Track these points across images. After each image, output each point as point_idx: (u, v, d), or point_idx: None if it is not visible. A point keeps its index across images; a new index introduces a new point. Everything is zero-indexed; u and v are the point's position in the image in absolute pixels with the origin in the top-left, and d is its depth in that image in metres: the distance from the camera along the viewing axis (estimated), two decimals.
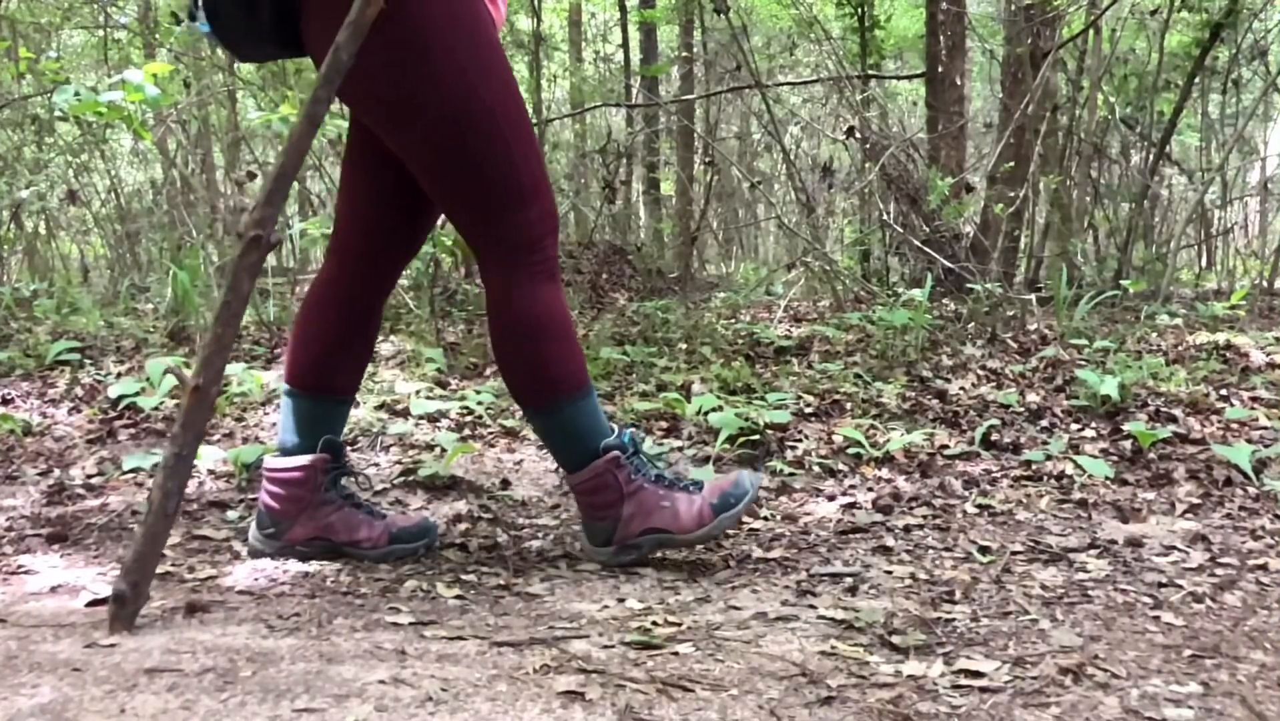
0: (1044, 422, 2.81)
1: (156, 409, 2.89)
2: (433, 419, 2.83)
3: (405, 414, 2.85)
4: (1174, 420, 2.76)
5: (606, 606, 1.64)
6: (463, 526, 2.10)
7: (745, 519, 2.09)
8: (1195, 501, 2.22)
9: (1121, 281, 5.08)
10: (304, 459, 1.87)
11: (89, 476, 2.44)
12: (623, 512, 1.82)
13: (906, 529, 2.07)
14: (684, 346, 3.92)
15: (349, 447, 2.58)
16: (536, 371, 1.79)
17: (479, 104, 1.70)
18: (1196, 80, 6.10)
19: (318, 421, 1.89)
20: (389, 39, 1.65)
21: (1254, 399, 2.99)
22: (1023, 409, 2.91)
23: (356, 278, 1.89)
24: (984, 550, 1.92)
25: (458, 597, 1.69)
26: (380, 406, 2.91)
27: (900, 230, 5.43)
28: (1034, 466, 2.47)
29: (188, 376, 1.50)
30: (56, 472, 2.47)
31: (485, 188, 1.73)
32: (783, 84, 8.71)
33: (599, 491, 1.82)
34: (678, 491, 1.83)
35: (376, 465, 2.52)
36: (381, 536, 1.89)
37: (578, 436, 1.82)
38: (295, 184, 7.51)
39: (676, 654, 1.42)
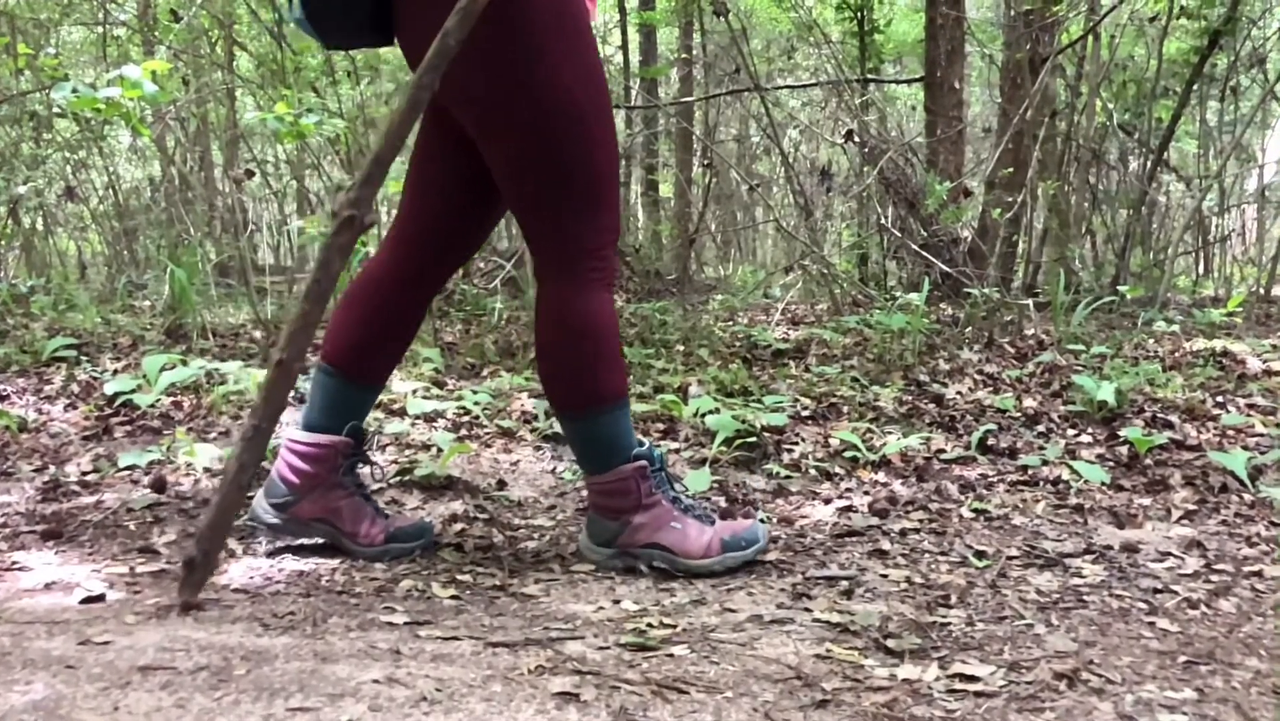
0: (1041, 428, 2.82)
1: (153, 406, 2.89)
2: (429, 419, 2.83)
3: (402, 413, 2.85)
4: (1170, 426, 2.76)
5: (602, 608, 1.64)
6: (458, 526, 2.10)
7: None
8: (1191, 507, 2.22)
9: (1119, 287, 5.09)
10: (328, 437, 1.86)
11: (84, 473, 2.43)
12: (634, 520, 1.82)
13: (902, 532, 2.06)
14: (681, 348, 3.92)
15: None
16: (581, 378, 1.79)
17: (573, 108, 1.70)
18: (1195, 87, 6.11)
19: (346, 405, 1.89)
20: (494, 32, 1.64)
21: (1250, 406, 2.99)
22: (1019, 414, 2.92)
23: (412, 266, 1.87)
24: (980, 554, 1.92)
25: (453, 598, 1.69)
26: (377, 406, 2.91)
27: (898, 234, 5.43)
28: (1030, 471, 2.47)
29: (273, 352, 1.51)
30: (51, 469, 2.46)
31: (561, 191, 1.73)
32: (782, 87, 8.72)
33: (618, 495, 1.83)
34: (691, 518, 1.84)
35: (373, 464, 2.51)
36: (379, 534, 1.89)
37: (609, 445, 1.82)
38: (295, 182, 7.50)
39: (671, 656, 1.42)
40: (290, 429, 1.92)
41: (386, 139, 1.50)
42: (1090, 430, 2.79)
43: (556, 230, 1.76)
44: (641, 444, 1.84)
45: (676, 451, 2.64)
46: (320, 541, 1.92)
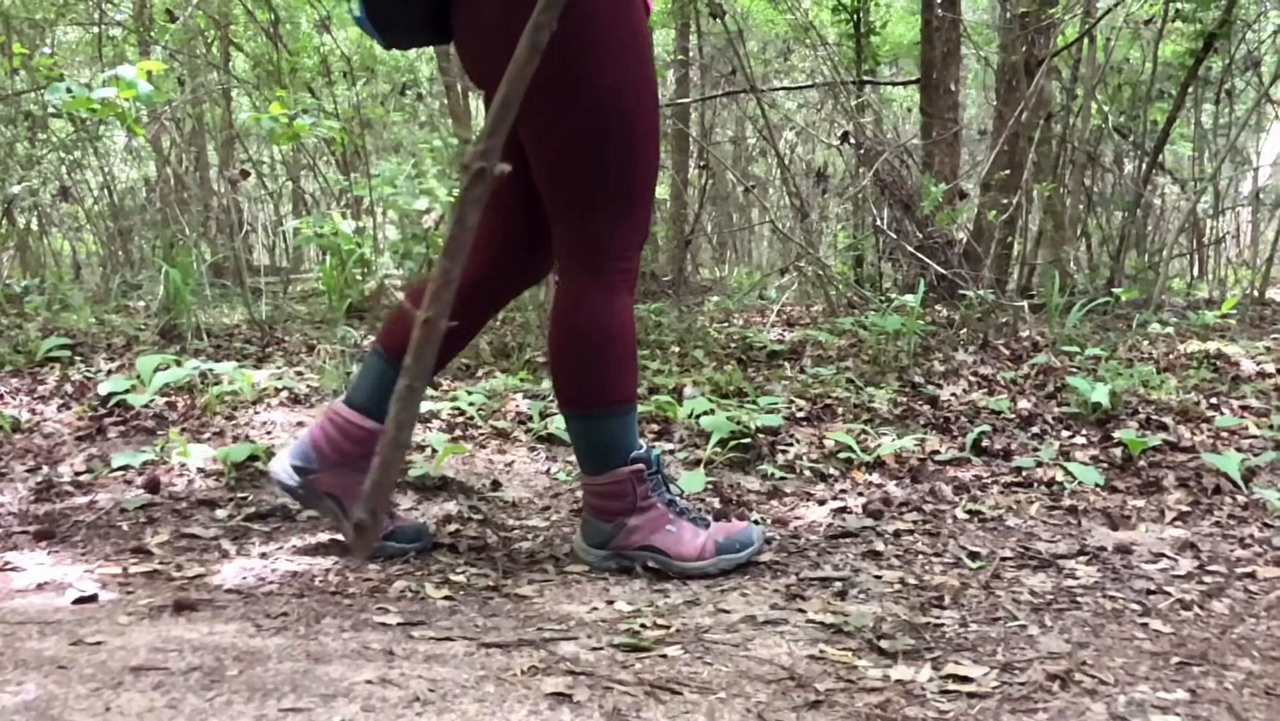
0: (1035, 429, 2.82)
1: (146, 406, 2.88)
2: (424, 419, 2.83)
3: None
4: (1164, 428, 2.76)
5: (595, 608, 1.64)
6: (452, 527, 2.10)
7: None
8: (1184, 509, 2.22)
9: (1113, 289, 5.10)
10: (374, 424, 1.84)
11: (78, 474, 2.43)
12: (629, 522, 1.82)
13: (896, 534, 2.07)
14: (676, 349, 3.92)
15: None
16: (593, 379, 1.79)
17: (620, 111, 1.70)
18: (1190, 90, 6.13)
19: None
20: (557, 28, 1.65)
21: (1244, 407, 3.00)
22: (1014, 415, 2.92)
23: (477, 272, 1.86)
24: (973, 556, 1.92)
25: (446, 598, 1.69)
26: None
27: (893, 236, 5.44)
28: (1024, 473, 2.48)
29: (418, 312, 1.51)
30: (45, 469, 2.46)
31: (599, 194, 1.73)
32: (778, 89, 8.73)
33: (613, 497, 1.83)
34: (686, 521, 1.84)
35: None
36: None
37: (611, 446, 1.82)
38: (290, 183, 7.48)
39: (665, 656, 1.42)
40: (338, 401, 1.91)
41: (510, 84, 1.48)
42: (1084, 432, 2.79)
43: (588, 231, 1.76)
44: (640, 446, 1.85)
45: (671, 452, 2.64)
46: (317, 517, 1.91)
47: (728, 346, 3.99)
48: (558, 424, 2.74)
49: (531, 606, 1.65)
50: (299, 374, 3.31)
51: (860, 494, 2.36)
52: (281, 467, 1.88)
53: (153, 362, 3.08)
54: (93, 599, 1.65)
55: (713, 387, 3.17)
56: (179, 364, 3.12)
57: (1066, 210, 6.02)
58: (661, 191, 10.01)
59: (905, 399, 3.12)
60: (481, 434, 2.75)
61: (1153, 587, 1.74)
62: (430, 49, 7.62)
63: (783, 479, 2.46)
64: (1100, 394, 2.86)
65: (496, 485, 2.40)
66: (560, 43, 1.66)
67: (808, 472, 2.49)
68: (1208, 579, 1.79)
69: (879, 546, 1.98)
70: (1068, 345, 3.88)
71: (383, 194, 4.34)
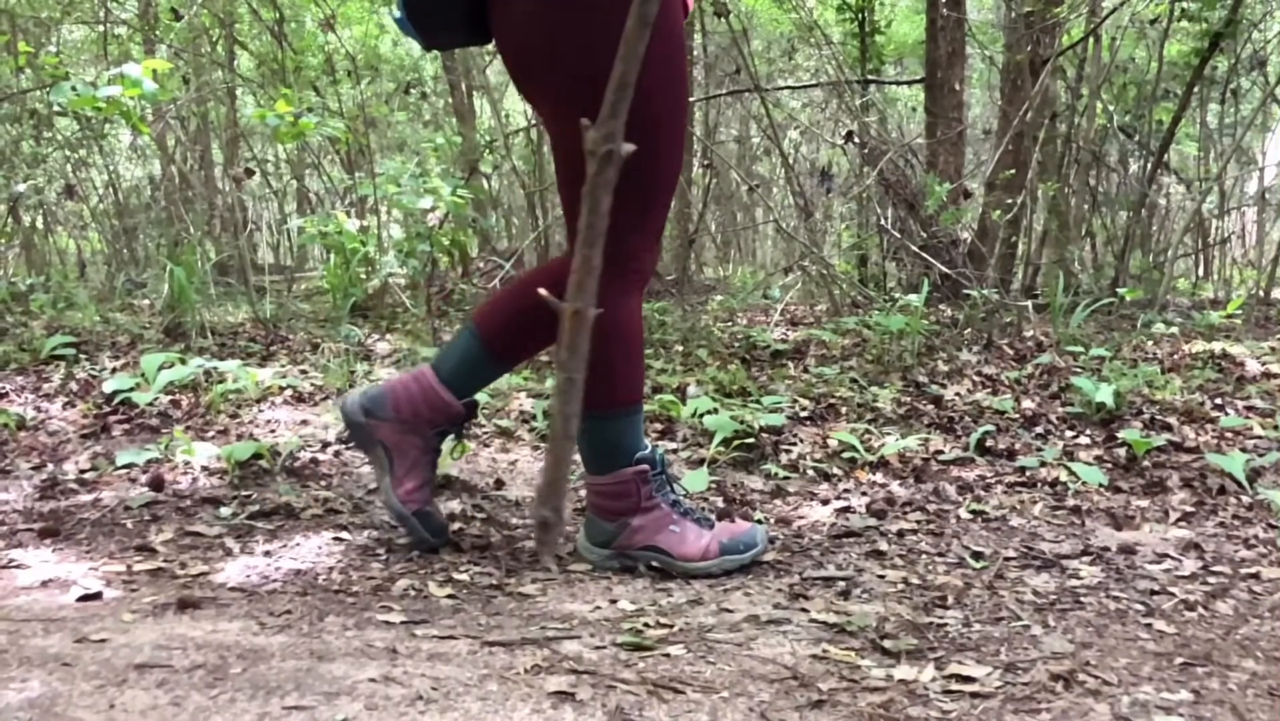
0: (1039, 429, 2.82)
1: (151, 404, 2.89)
2: None
3: None
4: (1169, 428, 2.76)
5: (598, 607, 1.64)
6: (456, 526, 2.10)
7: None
8: (1189, 509, 2.22)
9: (1118, 289, 5.09)
10: (452, 397, 1.88)
11: (82, 471, 2.43)
12: (632, 522, 1.83)
13: (900, 533, 2.06)
14: (680, 349, 3.91)
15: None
16: (602, 379, 1.78)
17: (648, 110, 1.68)
18: (1195, 89, 6.11)
19: (478, 373, 1.91)
20: (581, 18, 1.64)
21: (1249, 408, 3.00)
22: (1018, 415, 2.92)
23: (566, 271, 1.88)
24: (977, 555, 1.92)
25: (450, 597, 1.69)
26: None
27: (898, 235, 5.43)
28: (1028, 472, 2.47)
29: (560, 305, 1.50)
30: (50, 467, 2.46)
31: (620, 196, 1.72)
32: (782, 88, 8.72)
33: (617, 497, 1.83)
34: (690, 521, 1.84)
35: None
36: (414, 502, 1.90)
37: (616, 446, 1.82)
38: (294, 181, 7.49)
39: (668, 655, 1.42)
40: (425, 366, 1.93)
41: (625, 62, 1.46)
42: (1088, 432, 2.79)
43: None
44: (645, 447, 1.85)
45: (674, 452, 2.64)
46: (364, 464, 1.93)
47: (731, 346, 3.99)
48: None
49: (535, 605, 1.65)
50: (303, 372, 3.31)
51: (864, 493, 2.36)
52: (353, 402, 1.92)
53: (157, 361, 3.08)
54: (97, 596, 1.65)
55: (716, 387, 3.17)
56: (183, 362, 3.13)
57: (1071, 210, 6.01)
58: None
59: (909, 398, 3.12)
60: (485, 432, 2.76)
61: (1157, 588, 1.74)
62: None
63: (786, 478, 2.46)
64: (1104, 394, 2.85)
65: (500, 484, 2.40)
66: (590, 41, 1.66)
67: (811, 472, 2.49)
68: (1212, 579, 1.79)
69: (882, 546, 1.98)
70: (1072, 345, 3.87)
71: (387, 193, 4.34)
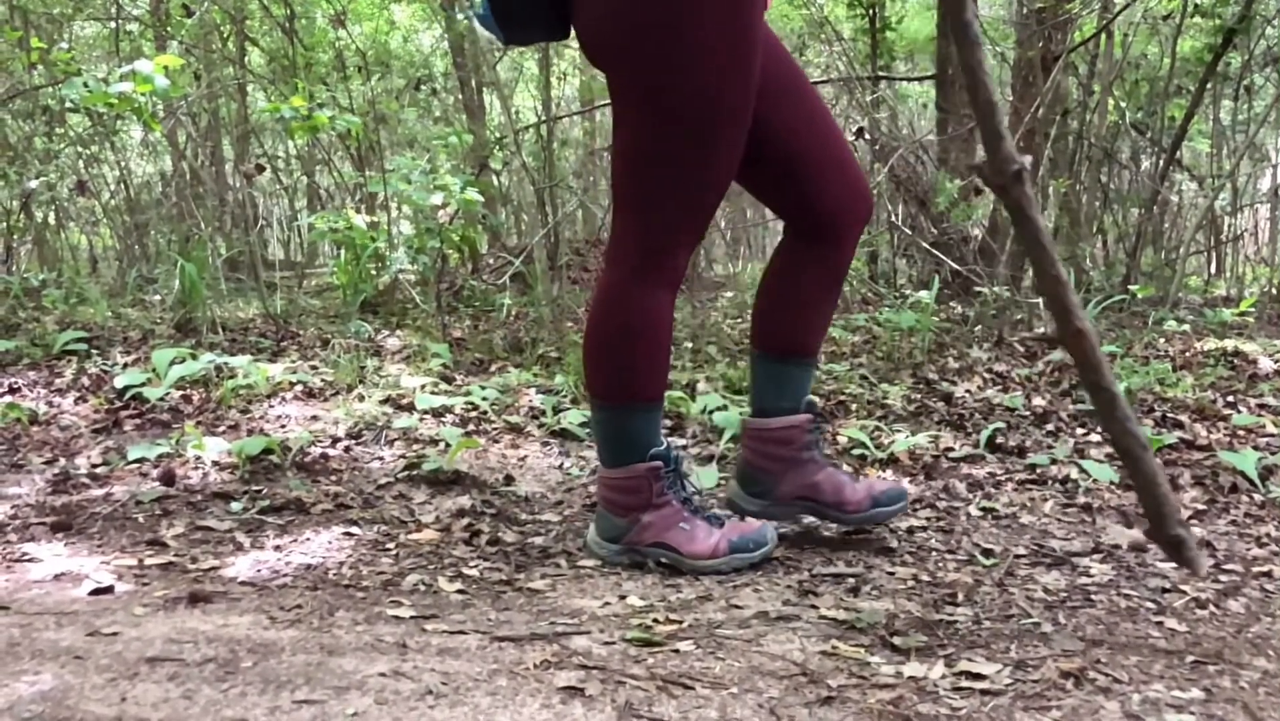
0: (1049, 426, 2.81)
1: (162, 399, 2.90)
2: (437, 414, 2.83)
3: (410, 408, 2.86)
4: (1180, 426, 2.75)
5: (608, 603, 1.64)
6: (465, 521, 2.11)
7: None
8: (1200, 507, 2.21)
9: (1130, 287, 5.06)
10: (786, 418, 1.91)
11: (94, 466, 2.45)
12: (643, 518, 1.83)
13: (910, 531, 2.06)
14: (689, 345, 3.91)
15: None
16: (624, 371, 1.79)
17: (709, 119, 1.68)
18: (1208, 86, 6.08)
19: (795, 383, 1.92)
20: (659, 10, 1.64)
21: (1261, 406, 2.98)
22: (1028, 412, 2.91)
23: (798, 243, 1.88)
24: (987, 553, 1.92)
25: (459, 592, 1.69)
26: (385, 400, 2.91)
27: (908, 232, 5.42)
28: (1038, 470, 2.46)
29: (1046, 330, 1.49)
30: (62, 462, 2.48)
31: (668, 193, 1.73)
32: None
33: (629, 492, 1.83)
34: (700, 519, 1.85)
35: (381, 459, 2.52)
36: (852, 504, 1.91)
37: (632, 442, 1.82)
38: (304, 178, 7.50)
39: (677, 651, 1.42)
40: (750, 420, 1.96)
41: (980, 87, 1.43)
42: (1099, 429, 2.78)
43: (646, 219, 1.75)
44: (661, 444, 1.85)
45: (684, 448, 2.64)
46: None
47: (741, 342, 3.99)
48: (570, 419, 2.74)
49: (544, 601, 1.65)
50: (313, 368, 3.32)
51: None
52: (744, 502, 1.95)
53: (168, 356, 3.09)
54: (109, 590, 1.66)
55: (726, 383, 3.17)
56: (194, 357, 3.14)
57: (1083, 207, 5.98)
58: None
59: (919, 395, 3.11)
60: (495, 428, 2.76)
61: (1167, 586, 1.73)
62: (444, 45, 7.63)
63: None
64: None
65: (509, 480, 2.40)
66: (657, 32, 1.64)
67: None
68: (1223, 577, 1.78)
69: (892, 543, 1.98)
70: None
71: (397, 189, 4.34)
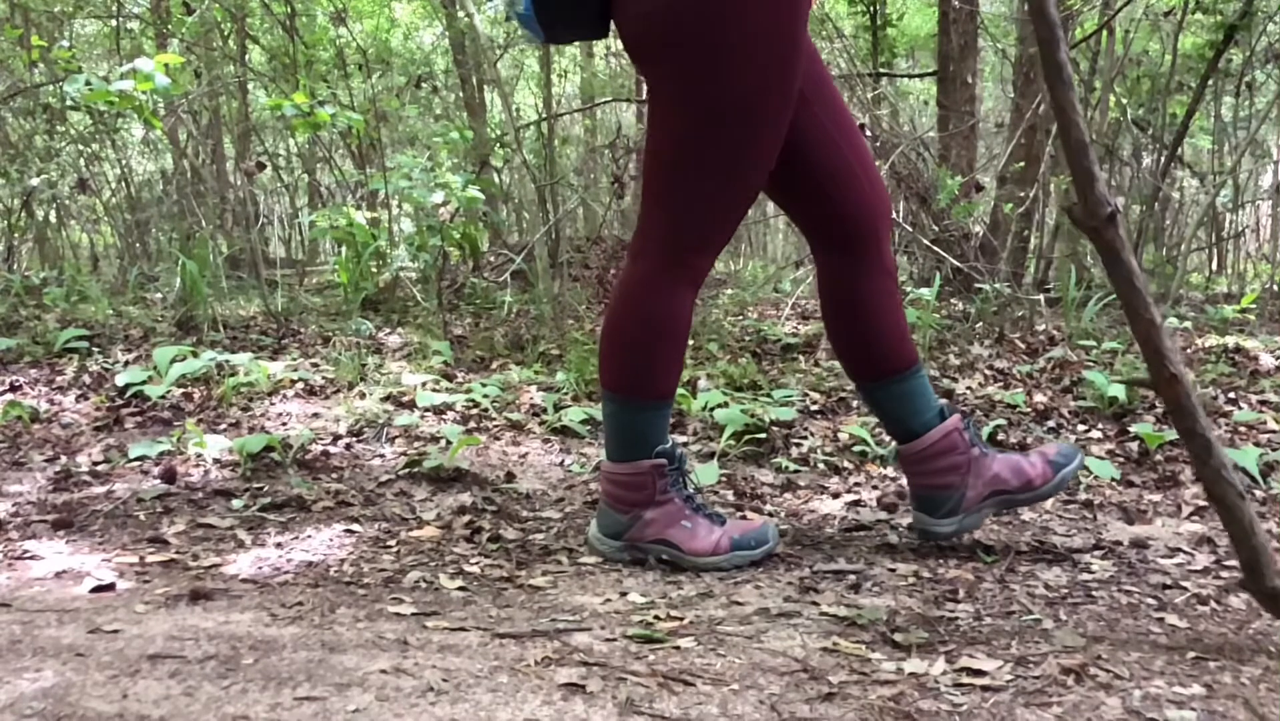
0: (1051, 423, 2.81)
1: (163, 397, 2.90)
2: (439, 411, 2.83)
3: (411, 406, 2.86)
4: None
5: (609, 600, 1.64)
6: (466, 518, 2.11)
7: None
8: (1201, 504, 2.21)
9: None
10: (927, 440, 1.85)
11: (95, 463, 2.45)
12: (645, 515, 1.83)
13: (911, 527, 2.06)
14: (690, 342, 3.91)
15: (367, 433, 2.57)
16: (641, 367, 1.79)
17: (748, 121, 1.67)
18: (1210, 83, 6.07)
19: (917, 395, 1.86)
20: (705, 9, 1.63)
21: (1263, 402, 2.98)
22: (1029, 409, 2.91)
23: (842, 259, 1.84)
24: (988, 549, 1.92)
25: (461, 589, 1.69)
26: (386, 398, 2.91)
27: (909, 229, 5.42)
28: None
29: (1153, 375, 1.42)
30: (63, 459, 2.48)
31: (701, 191, 1.72)
32: None
33: (633, 488, 1.83)
34: (702, 517, 1.85)
35: (382, 456, 2.52)
36: (1047, 471, 1.86)
37: (639, 437, 1.83)
38: (305, 176, 7.50)
39: (678, 648, 1.42)
40: (901, 448, 1.89)
41: (1063, 132, 1.42)
42: (1100, 426, 2.78)
43: (676, 221, 1.75)
44: (666, 442, 1.85)
45: (685, 445, 2.64)
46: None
47: (742, 339, 3.99)
48: (571, 416, 2.75)
49: (545, 597, 1.65)
50: (314, 365, 3.32)
51: (874, 487, 2.35)
52: (939, 527, 1.87)
53: (169, 354, 3.09)
54: (110, 587, 1.66)
55: (727, 380, 3.17)
56: (195, 355, 3.14)
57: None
58: None
59: None
60: (496, 426, 2.76)
61: (1169, 582, 1.73)
62: (445, 42, 7.63)
63: (796, 472, 2.46)
64: (1116, 388, 2.84)
65: (510, 477, 2.40)
66: (702, 29, 1.63)
67: (821, 466, 2.49)
68: (1225, 574, 1.78)
69: (893, 540, 1.98)
70: (1084, 339, 3.85)
71: (398, 187, 4.34)
